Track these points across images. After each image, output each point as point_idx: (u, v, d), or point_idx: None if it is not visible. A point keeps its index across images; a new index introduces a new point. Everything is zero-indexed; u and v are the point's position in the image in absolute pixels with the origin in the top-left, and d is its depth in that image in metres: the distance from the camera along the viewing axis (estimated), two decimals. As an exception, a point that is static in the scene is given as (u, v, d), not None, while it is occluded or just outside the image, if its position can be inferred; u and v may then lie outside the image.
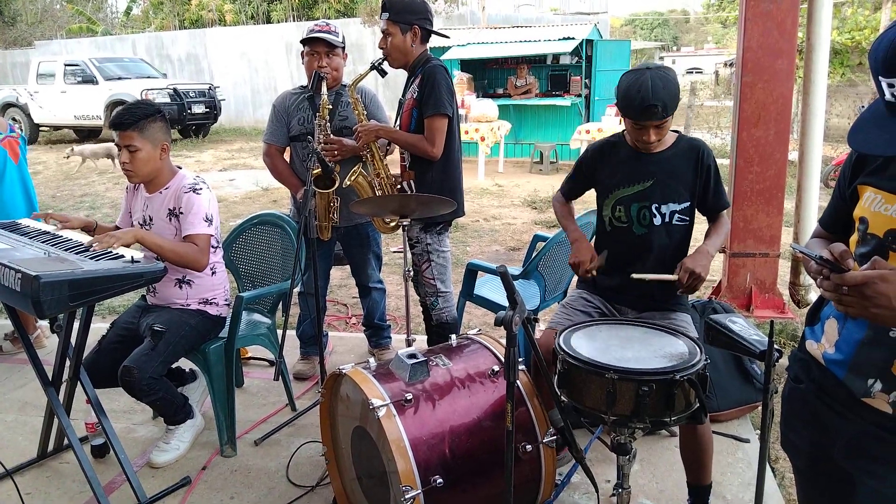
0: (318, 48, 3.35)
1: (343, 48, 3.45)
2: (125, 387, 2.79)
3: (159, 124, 2.90)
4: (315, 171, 3.11)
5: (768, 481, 2.69)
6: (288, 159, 3.64)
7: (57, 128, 16.37)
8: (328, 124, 3.27)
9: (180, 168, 3.04)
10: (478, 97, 11.72)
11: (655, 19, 64.31)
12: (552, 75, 12.71)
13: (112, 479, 2.89)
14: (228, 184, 10.36)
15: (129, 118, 2.83)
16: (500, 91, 12.87)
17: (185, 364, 3.25)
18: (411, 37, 2.98)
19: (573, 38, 11.81)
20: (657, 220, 2.45)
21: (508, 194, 9.39)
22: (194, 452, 3.09)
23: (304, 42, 3.38)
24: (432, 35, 3.07)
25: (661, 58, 45.67)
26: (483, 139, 10.46)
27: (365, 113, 3.22)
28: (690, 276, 2.32)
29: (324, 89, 3.22)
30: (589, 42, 12.28)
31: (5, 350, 4.22)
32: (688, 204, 2.45)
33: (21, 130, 15.06)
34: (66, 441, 2.97)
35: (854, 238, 1.49)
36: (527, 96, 12.23)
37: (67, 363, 2.80)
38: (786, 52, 4.01)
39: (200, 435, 3.20)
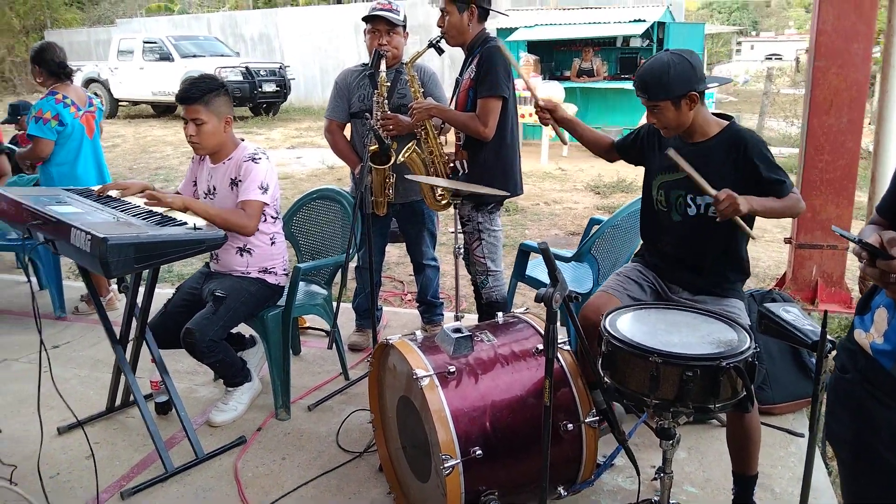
0: (380, 26, 3.39)
1: (404, 27, 3.49)
2: (187, 348, 2.93)
3: (223, 98, 3.01)
4: (372, 148, 3.16)
5: (820, 478, 2.64)
6: (349, 136, 3.72)
7: (135, 103, 16.99)
8: (386, 101, 3.32)
9: (243, 140, 3.15)
10: (544, 79, 11.59)
11: (734, 3, 62.02)
12: (622, 58, 12.44)
13: (173, 434, 3.04)
14: (295, 161, 10.58)
15: (195, 92, 2.94)
16: (568, 73, 12.69)
17: (245, 330, 3.38)
18: (468, 16, 3.00)
19: (644, 21, 11.53)
20: (692, 211, 2.41)
21: (571, 178, 9.29)
22: (251, 414, 3.22)
23: (365, 20, 3.42)
24: (490, 14, 3.07)
25: (739, 42, 44.12)
26: (547, 122, 10.34)
27: (422, 91, 3.26)
28: (727, 199, 2.14)
29: (383, 67, 3.27)
30: (661, 25, 11.97)
31: (81, 311, 4.46)
32: None
33: (101, 104, 15.79)
34: (132, 397, 3.14)
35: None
36: (592, 79, 12.02)
37: (134, 323, 2.96)
38: (863, 36, 3.83)
39: (257, 398, 3.34)
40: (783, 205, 2.33)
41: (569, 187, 8.72)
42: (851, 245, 1.35)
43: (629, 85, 11.73)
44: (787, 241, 4.24)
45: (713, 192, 2.20)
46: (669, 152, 2.25)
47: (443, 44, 3.11)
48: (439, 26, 3.08)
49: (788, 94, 16.16)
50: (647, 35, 11.96)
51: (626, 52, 12.53)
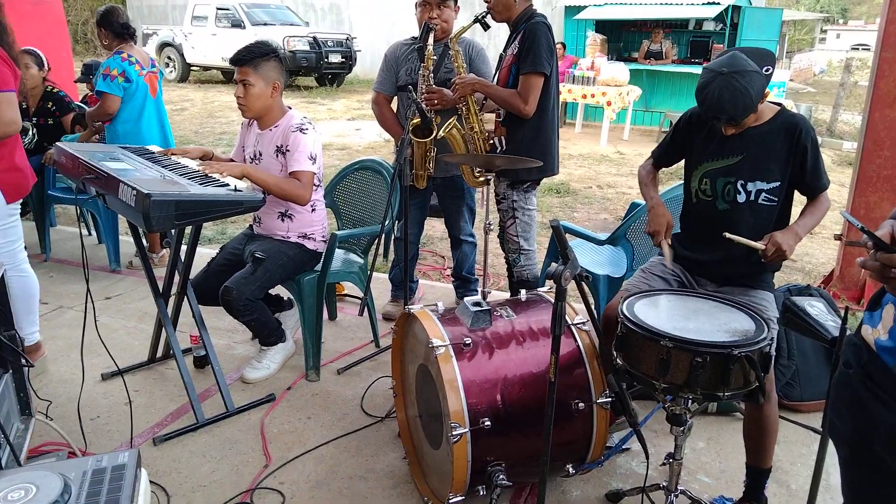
0: (430, 0, 3.41)
1: (455, 1, 3.50)
2: (225, 305, 3.05)
3: (273, 64, 3.09)
4: (414, 121, 3.20)
5: (837, 476, 2.58)
6: (395, 108, 3.77)
7: (206, 68, 17.41)
8: (431, 75, 3.35)
9: (290, 108, 3.23)
10: (609, 60, 11.38)
11: (823, -12, 59.15)
12: (693, 41, 12.11)
13: (207, 387, 3.18)
14: (354, 133, 10.72)
15: (246, 55, 3.05)
16: (636, 55, 12.41)
17: (284, 293, 3.50)
18: (515, -9, 2.99)
19: (718, 3, 11.17)
20: (741, 198, 2.35)
21: (629, 163, 9.14)
22: (282, 373, 3.34)
23: (416, -8, 3.45)
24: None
25: (824, 30, 42.16)
26: (609, 104, 10.19)
27: (465, 66, 3.27)
28: (777, 250, 2.21)
29: (430, 40, 3.29)
30: (736, 8, 11.57)
31: (134, 265, 4.68)
32: (777, 184, 2.31)
33: (175, 69, 16.12)
34: (172, 349, 3.29)
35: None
36: (660, 62, 11.73)
37: (177, 278, 3.10)
38: (937, 27, 3.66)
39: (290, 359, 3.46)
40: (820, 215, 2.35)
41: (625, 171, 8.59)
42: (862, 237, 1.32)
43: (697, 69, 11.40)
44: (838, 237, 4.09)
45: (761, 245, 2.24)
46: (726, 234, 2.26)
47: (489, 19, 3.11)
48: (486, 1, 3.08)
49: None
50: (720, 18, 11.59)
51: (699, 36, 12.19)
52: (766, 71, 2.28)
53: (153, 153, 3.15)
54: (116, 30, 4.24)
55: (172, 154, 3.13)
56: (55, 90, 4.79)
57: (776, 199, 2.34)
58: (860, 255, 3.49)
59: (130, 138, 4.20)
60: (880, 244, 1.22)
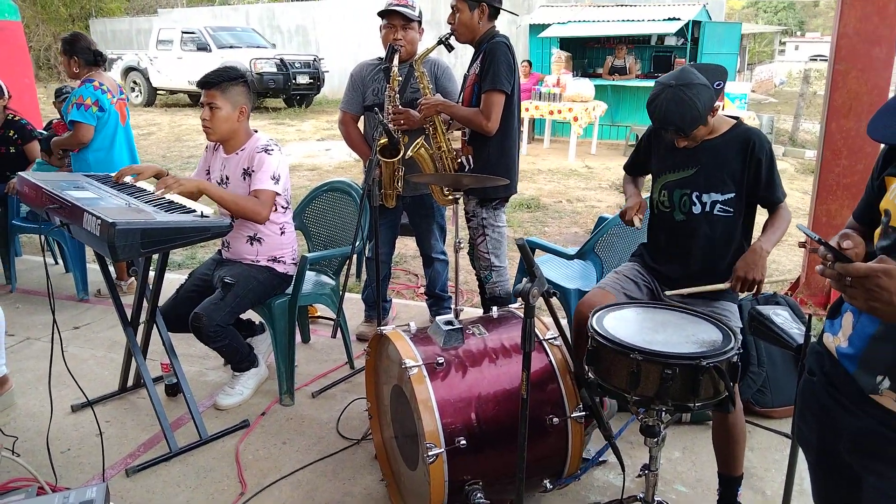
0: (395, 21, 3.44)
1: (419, 22, 3.53)
2: (195, 332, 3.02)
3: (241, 88, 3.10)
4: (381, 141, 3.22)
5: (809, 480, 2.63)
6: (362, 128, 3.78)
7: (173, 92, 17.29)
8: (398, 96, 3.37)
9: (256, 131, 3.23)
10: (574, 76, 11.54)
11: (780, 2, 60.74)
12: (656, 56, 12.31)
13: (180, 416, 3.14)
14: (324, 153, 10.70)
15: (214, 79, 3.05)
16: (600, 71, 12.61)
17: (256, 318, 3.47)
18: (479, 13, 3.03)
19: (679, 19, 11.40)
20: (696, 209, 2.41)
21: (597, 177, 9.25)
22: (256, 399, 3.31)
23: (381, 15, 3.48)
24: (501, 12, 3.11)
25: (783, 42, 43.23)
26: (576, 119, 10.31)
27: (430, 87, 3.30)
28: (743, 283, 2.27)
29: (396, 61, 3.32)
30: (696, 24, 11.82)
31: (102, 294, 4.60)
32: (732, 195, 2.37)
33: (140, 93, 15.99)
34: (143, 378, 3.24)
35: (879, 231, 1.45)
36: (624, 77, 11.93)
37: (145, 306, 3.06)
38: (885, 40, 3.77)
39: (263, 384, 3.42)
40: (783, 227, 2.39)
41: (593, 185, 8.68)
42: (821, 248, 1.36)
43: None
44: (802, 245, 4.20)
45: (724, 286, 2.30)
46: (668, 293, 2.31)
47: (452, 41, 3.15)
48: (449, 23, 3.12)
49: (827, 95, 15.79)
50: (681, 33, 11.83)
51: (661, 51, 12.40)
52: (717, 85, 2.35)
53: (111, 178, 3.11)
54: (88, 57, 4.18)
55: (125, 174, 3.08)
56: (17, 118, 4.70)
57: (732, 210, 2.39)
58: (821, 264, 3.53)
59: (102, 167, 4.12)
60: (838, 255, 1.26)
